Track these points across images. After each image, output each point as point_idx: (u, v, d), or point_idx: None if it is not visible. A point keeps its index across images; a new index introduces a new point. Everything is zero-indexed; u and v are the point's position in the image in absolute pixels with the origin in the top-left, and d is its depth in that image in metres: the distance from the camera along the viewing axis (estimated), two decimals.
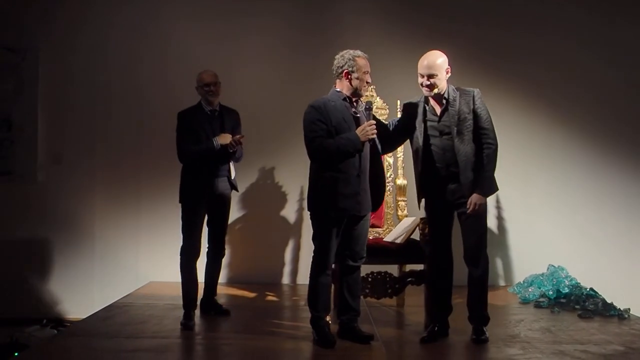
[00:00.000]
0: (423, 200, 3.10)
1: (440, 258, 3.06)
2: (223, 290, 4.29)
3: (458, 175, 2.96)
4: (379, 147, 3.02)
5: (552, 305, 3.82)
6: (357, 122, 2.93)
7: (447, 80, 2.97)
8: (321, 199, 2.91)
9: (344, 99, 2.94)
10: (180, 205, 3.37)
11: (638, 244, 4.45)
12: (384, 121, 3.26)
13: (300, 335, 3.11)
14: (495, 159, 2.96)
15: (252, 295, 4.14)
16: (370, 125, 2.86)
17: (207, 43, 4.38)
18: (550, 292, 3.95)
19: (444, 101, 2.97)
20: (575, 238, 4.41)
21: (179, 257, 3.32)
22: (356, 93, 2.94)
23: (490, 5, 4.46)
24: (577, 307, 3.75)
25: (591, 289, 3.93)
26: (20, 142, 4.45)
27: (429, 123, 3.00)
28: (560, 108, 4.47)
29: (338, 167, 2.87)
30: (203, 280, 3.51)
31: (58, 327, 3.91)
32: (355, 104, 2.97)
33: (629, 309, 3.67)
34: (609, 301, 3.74)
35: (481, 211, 2.95)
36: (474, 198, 2.92)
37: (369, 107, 2.95)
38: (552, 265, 4.20)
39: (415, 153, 3.07)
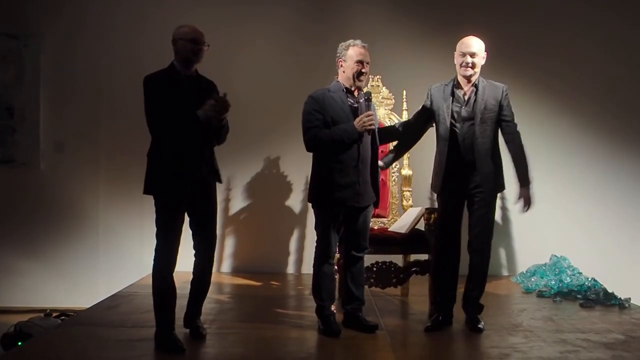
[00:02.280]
0: (437, 186, 3.08)
1: (449, 246, 3.07)
2: (228, 279, 4.32)
3: (473, 164, 2.96)
4: (377, 140, 3.00)
5: (554, 294, 3.85)
6: (356, 113, 2.91)
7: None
8: (319, 189, 2.92)
9: (344, 90, 2.93)
10: (147, 197, 2.71)
11: (639, 234, 4.48)
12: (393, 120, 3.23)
13: (306, 324, 3.13)
14: (524, 147, 3.01)
15: (257, 284, 4.15)
16: (368, 116, 2.85)
17: (211, 30, 4.25)
18: (553, 282, 3.98)
19: (474, 88, 2.97)
20: (578, 229, 4.44)
21: (153, 265, 2.73)
22: (353, 83, 2.91)
23: None
24: (578, 296, 3.79)
25: (593, 278, 3.96)
26: (22, 130, 4.43)
27: (454, 108, 2.99)
28: (565, 100, 4.47)
29: (336, 157, 2.87)
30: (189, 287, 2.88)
31: (62, 316, 3.91)
32: (355, 94, 2.95)
33: (630, 298, 3.70)
34: (610, 291, 3.77)
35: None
36: (523, 193, 2.97)
37: (368, 97, 2.94)
38: (555, 256, 4.23)
39: (439, 137, 3.05)
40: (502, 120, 2.98)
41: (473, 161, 2.96)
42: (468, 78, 2.97)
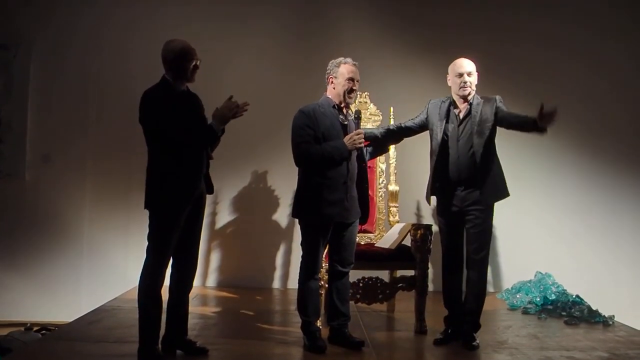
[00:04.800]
0: (433, 198, 3.12)
1: (453, 263, 3.10)
2: (213, 294, 4.28)
3: (468, 182, 3.00)
4: (366, 156, 3.04)
5: (539, 311, 3.87)
6: (345, 130, 2.94)
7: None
8: (307, 205, 2.92)
9: (333, 106, 2.95)
10: (146, 211, 2.66)
11: (623, 252, 4.54)
12: (374, 128, 3.28)
13: (291, 340, 3.10)
14: None
15: (242, 299, 4.11)
16: (358, 135, 2.88)
17: (200, 44, 4.33)
18: (538, 299, 4.00)
19: (468, 105, 3.02)
20: (562, 246, 4.48)
21: (140, 280, 2.65)
22: (342, 100, 2.95)
23: (484, 16, 4.53)
24: (563, 313, 3.81)
25: (577, 296, 3.99)
26: (8, 141, 4.40)
27: (450, 126, 3.04)
28: None
29: (324, 173, 2.88)
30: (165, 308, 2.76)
31: (43, 330, 3.84)
32: (344, 111, 2.98)
33: (613, 316, 3.73)
34: (594, 308, 3.80)
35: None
36: (549, 107, 2.72)
37: (357, 116, 2.98)
38: (540, 272, 4.26)
39: (432, 152, 3.10)
40: (497, 115, 2.98)
41: (469, 177, 2.99)
42: (465, 97, 3.02)
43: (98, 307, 3.71)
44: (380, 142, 3.23)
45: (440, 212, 3.13)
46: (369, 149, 3.27)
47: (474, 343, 3.03)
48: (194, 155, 2.65)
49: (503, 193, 3.06)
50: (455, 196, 3.02)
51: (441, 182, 3.04)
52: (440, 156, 3.02)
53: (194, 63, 2.69)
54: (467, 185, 2.99)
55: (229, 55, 4.45)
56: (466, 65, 3.02)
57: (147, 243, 2.67)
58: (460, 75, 3.00)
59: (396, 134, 3.23)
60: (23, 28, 4.40)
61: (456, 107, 3.05)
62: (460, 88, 3.00)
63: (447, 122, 3.03)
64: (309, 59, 4.27)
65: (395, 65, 4.48)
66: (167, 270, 2.69)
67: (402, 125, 3.21)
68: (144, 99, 2.65)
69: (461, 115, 3.03)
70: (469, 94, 3.02)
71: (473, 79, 3.02)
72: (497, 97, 3.06)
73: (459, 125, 3.02)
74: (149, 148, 2.69)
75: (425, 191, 3.15)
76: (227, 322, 3.49)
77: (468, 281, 3.06)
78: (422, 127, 3.15)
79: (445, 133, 3.02)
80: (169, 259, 2.67)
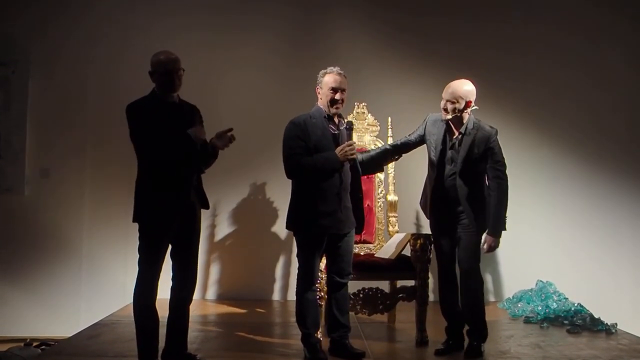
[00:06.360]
0: (424, 208, 3.18)
1: (446, 272, 3.11)
2: (213, 306, 4.26)
3: (457, 200, 3.01)
4: (359, 167, 3.03)
5: (541, 320, 3.85)
6: (337, 140, 2.93)
7: (470, 112, 3.02)
8: (301, 217, 2.91)
9: (325, 116, 2.95)
10: (134, 225, 2.67)
11: (624, 259, 4.52)
12: (370, 151, 3.27)
13: (291, 352, 3.09)
14: (505, 196, 2.98)
15: (242, 311, 4.09)
16: (350, 146, 2.88)
17: (196, 55, 4.38)
18: (539, 308, 3.98)
19: (461, 132, 3.02)
20: (563, 254, 4.46)
21: (133, 293, 2.68)
22: (327, 110, 2.93)
23: (479, 27, 4.55)
24: (565, 322, 3.79)
25: (579, 304, 3.97)
26: (8, 156, 4.40)
27: (443, 148, 3.05)
28: (548, 127, 4.56)
29: (317, 184, 2.87)
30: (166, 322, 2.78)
31: (42, 346, 3.82)
32: (336, 120, 2.98)
33: (616, 324, 3.71)
34: (596, 316, 3.78)
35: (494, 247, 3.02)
36: (488, 240, 3.00)
37: (349, 127, 2.97)
38: (541, 281, 4.24)
39: (428, 163, 3.12)
40: (492, 162, 2.99)
41: (456, 198, 3.01)
42: (448, 121, 3.02)
43: (97, 321, 3.69)
44: (377, 162, 3.23)
45: (433, 225, 3.15)
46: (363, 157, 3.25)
47: (477, 351, 3.02)
48: (177, 167, 2.63)
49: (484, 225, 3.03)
50: (447, 210, 3.05)
51: (433, 198, 3.07)
52: (433, 175, 3.06)
53: (177, 73, 2.67)
54: (456, 202, 3.01)
55: (226, 66, 4.47)
56: (448, 92, 2.99)
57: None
58: (442, 99, 3.01)
59: (393, 153, 3.24)
60: (21, 45, 4.42)
61: (451, 132, 3.05)
62: (443, 111, 3.01)
63: (442, 147, 3.04)
64: (306, 69, 4.27)
65: (392, 76, 4.50)
66: (158, 283, 2.68)
67: (399, 143, 3.22)
68: (126, 112, 2.68)
69: (453, 139, 3.03)
70: (448, 119, 2.99)
71: (456, 106, 2.95)
72: (492, 133, 2.99)
73: (449, 149, 3.03)
74: (137, 161, 2.71)
75: (419, 203, 3.20)
76: (228, 335, 3.47)
77: (461, 292, 3.07)
78: (420, 142, 3.17)
79: (441, 154, 3.04)
80: (160, 272, 2.67)
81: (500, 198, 2.97)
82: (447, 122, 3.03)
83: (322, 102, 2.96)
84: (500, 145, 3.03)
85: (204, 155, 2.71)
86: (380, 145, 3.75)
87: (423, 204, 3.22)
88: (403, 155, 3.28)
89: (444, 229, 3.08)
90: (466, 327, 3.10)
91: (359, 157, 3.08)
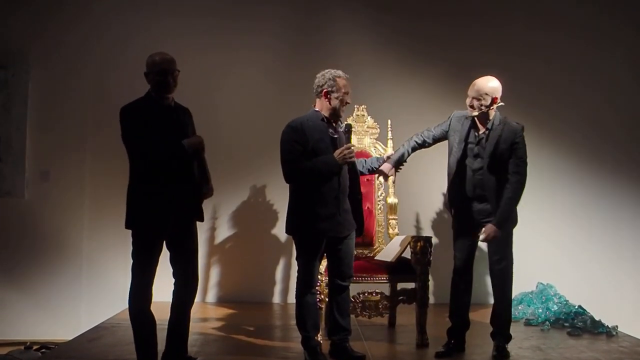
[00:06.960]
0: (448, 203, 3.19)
1: (461, 272, 3.12)
2: (213, 310, 4.26)
3: (483, 197, 3.03)
4: (364, 170, 3.04)
5: (541, 323, 3.84)
6: (335, 143, 2.93)
7: (496, 109, 3.03)
8: (299, 221, 2.91)
9: (322, 119, 2.95)
10: (127, 231, 2.65)
11: (625, 261, 4.52)
12: (400, 152, 3.28)
13: (292, 355, 3.09)
14: (520, 192, 3.00)
15: (242, 314, 4.09)
16: (348, 149, 2.88)
17: (197, 58, 4.40)
18: (540, 310, 3.98)
19: (488, 127, 3.03)
20: (564, 256, 4.46)
21: (128, 301, 2.69)
22: (335, 114, 2.94)
23: (479, 31, 4.56)
24: (566, 324, 3.78)
25: (580, 306, 3.97)
26: (8, 159, 4.41)
27: (469, 143, 3.06)
28: (548, 129, 4.55)
29: (316, 188, 2.87)
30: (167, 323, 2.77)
31: (43, 349, 3.82)
32: (334, 124, 2.98)
33: (617, 326, 3.71)
34: (597, 318, 3.77)
35: (498, 236, 3.00)
36: (488, 228, 2.99)
37: (347, 129, 2.97)
38: (541, 283, 4.23)
39: (449, 166, 3.13)
40: (514, 158, 3.00)
41: (483, 195, 3.02)
42: (474, 117, 3.02)
43: (97, 324, 3.69)
44: (403, 160, 3.27)
45: (456, 225, 3.15)
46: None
47: (504, 353, 3.04)
48: (167, 172, 2.60)
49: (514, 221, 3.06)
50: (471, 209, 3.05)
51: (457, 197, 3.07)
52: (457, 173, 3.06)
53: (172, 73, 2.64)
54: (482, 199, 3.02)
55: (225, 68, 4.47)
56: (473, 89, 3.01)
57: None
58: (468, 96, 3.03)
59: (419, 149, 3.26)
60: (20, 48, 4.43)
61: (476, 128, 3.06)
62: (469, 108, 3.03)
63: (466, 144, 3.05)
64: (306, 73, 4.28)
65: (392, 78, 4.51)
66: (152, 288, 2.69)
67: (424, 139, 3.21)
68: (119, 114, 2.65)
69: (479, 135, 3.04)
70: (475, 116, 3.00)
71: (482, 103, 2.97)
72: (519, 129, 3.01)
73: (476, 144, 3.04)
74: (129, 165, 2.69)
75: (443, 202, 3.20)
76: (228, 338, 3.46)
77: (494, 293, 3.09)
78: (442, 138, 3.18)
79: (464, 150, 3.04)
80: (154, 276, 2.67)
81: (516, 193, 2.98)
82: (472, 118, 3.04)
83: (330, 105, 2.93)
84: (525, 144, 3.03)
85: (199, 168, 2.71)
86: (379, 146, 3.75)
87: (446, 202, 3.23)
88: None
89: (468, 228, 3.07)
90: (490, 329, 3.13)
91: (396, 155, 3.16)
